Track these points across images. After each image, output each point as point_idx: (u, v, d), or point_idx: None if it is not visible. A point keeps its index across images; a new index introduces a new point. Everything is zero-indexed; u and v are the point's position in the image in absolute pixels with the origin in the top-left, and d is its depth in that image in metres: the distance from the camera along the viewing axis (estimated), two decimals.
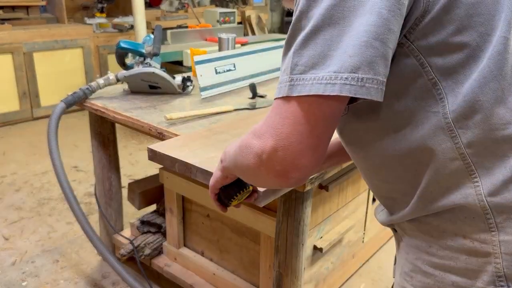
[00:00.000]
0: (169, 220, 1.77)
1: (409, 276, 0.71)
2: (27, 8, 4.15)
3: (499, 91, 0.60)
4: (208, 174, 1.08)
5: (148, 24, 4.17)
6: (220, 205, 0.91)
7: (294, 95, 0.56)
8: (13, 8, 4.07)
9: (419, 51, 0.60)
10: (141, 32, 3.52)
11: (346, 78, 0.53)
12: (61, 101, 1.61)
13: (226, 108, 1.57)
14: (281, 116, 0.58)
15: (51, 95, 3.99)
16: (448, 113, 0.60)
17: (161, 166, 1.50)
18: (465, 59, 0.59)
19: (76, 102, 1.64)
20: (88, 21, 4.34)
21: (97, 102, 1.64)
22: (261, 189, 0.99)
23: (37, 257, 2.09)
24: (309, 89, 0.55)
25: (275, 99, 0.60)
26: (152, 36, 1.87)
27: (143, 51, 1.81)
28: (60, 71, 4.04)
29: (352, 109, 0.67)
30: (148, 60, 1.79)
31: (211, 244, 1.70)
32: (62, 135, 3.63)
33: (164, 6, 4.60)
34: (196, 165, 1.10)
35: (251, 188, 0.90)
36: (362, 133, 0.69)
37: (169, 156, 1.16)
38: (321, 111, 0.56)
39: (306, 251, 1.33)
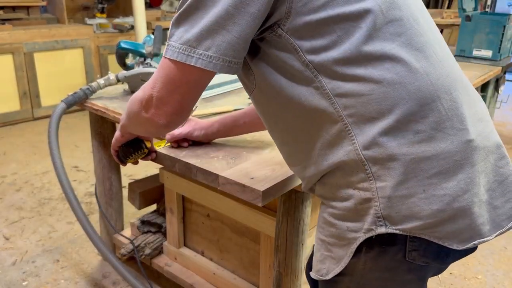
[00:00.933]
0: (169, 220, 1.77)
1: (321, 228, 0.84)
2: (27, 8, 4.16)
3: (357, 67, 0.71)
4: (208, 174, 1.08)
5: (149, 25, 4.18)
6: (119, 161, 1.12)
7: (167, 56, 0.72)
8: (13, 8, 4.08)
9: (292, 38, 0.71)
10: (142, 33, 3.53)
11: (200, 54, 0.69)
12: (62, 101, 1.61)
13: (226, 108, 1.58)
14: (159, 73, 0.74)
15: (52, 95, 4.00)
16: (325, 86, 0.72)
17: (161, 166, 1.51)
18: (330, 44, 0.70)
19: (76, 102, 1.64)
20: (89, 21, 4.34)
21: (97, 102, 1.64)
22: (160, 151, 1.18)
23: (38, 256, 2.09)
24: (176, 55, 0.70)
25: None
26: (152, 36, 1.88)
27: (144, 51, 1.81)
28: (61, 71, 4.05)
29: (257, 87, 0.81)
30: (148, 60, 1.79)
31: (211, 244, 1.71)
32: (63, 135, 3.64)
33: (164, 6, 4.60)
34: (196, 165, 1.11)
35: (146, 150, 1.10)
36: (266, 107, 0.83)
37: (169, 156, 1.17)
38: (184, 75, 0.71)
39: (306, 250, 1.33)
